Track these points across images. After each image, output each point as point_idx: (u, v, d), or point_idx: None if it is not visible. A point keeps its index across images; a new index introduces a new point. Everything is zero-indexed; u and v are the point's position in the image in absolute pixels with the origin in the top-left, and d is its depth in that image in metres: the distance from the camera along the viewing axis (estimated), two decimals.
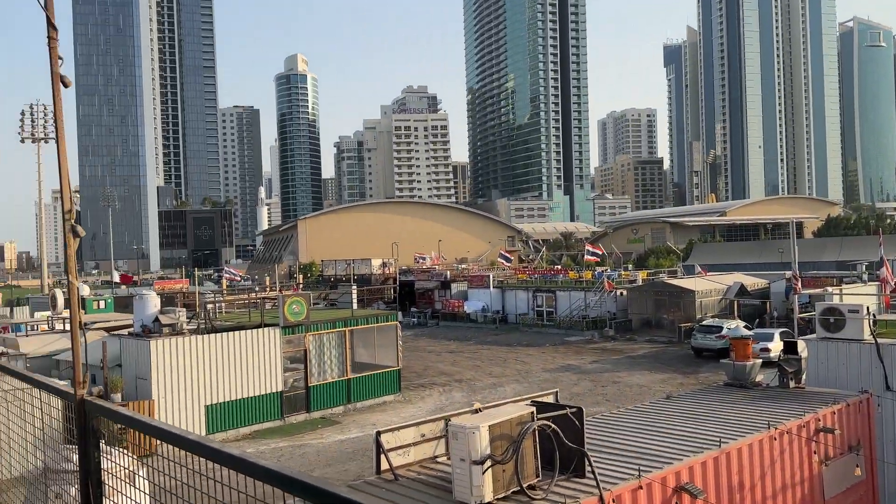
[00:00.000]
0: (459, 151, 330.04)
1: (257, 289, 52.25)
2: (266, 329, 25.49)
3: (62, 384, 3.98)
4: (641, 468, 9.24)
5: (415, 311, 60.77)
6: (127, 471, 4.11)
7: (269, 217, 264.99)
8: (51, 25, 3.03)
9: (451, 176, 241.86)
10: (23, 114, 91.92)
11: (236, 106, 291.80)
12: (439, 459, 9.99)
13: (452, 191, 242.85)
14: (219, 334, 24.28)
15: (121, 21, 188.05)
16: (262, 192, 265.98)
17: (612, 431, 11.32)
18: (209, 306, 27.62)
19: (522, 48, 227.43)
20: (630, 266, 70.47)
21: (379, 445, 9.32)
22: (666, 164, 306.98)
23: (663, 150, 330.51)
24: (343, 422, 25.64)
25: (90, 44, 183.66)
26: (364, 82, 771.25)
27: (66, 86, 3.10)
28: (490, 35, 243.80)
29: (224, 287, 61.55)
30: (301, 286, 64.49)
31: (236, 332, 24.76)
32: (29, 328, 35.61)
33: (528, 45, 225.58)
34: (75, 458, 5.07)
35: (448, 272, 66.69)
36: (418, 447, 9.90)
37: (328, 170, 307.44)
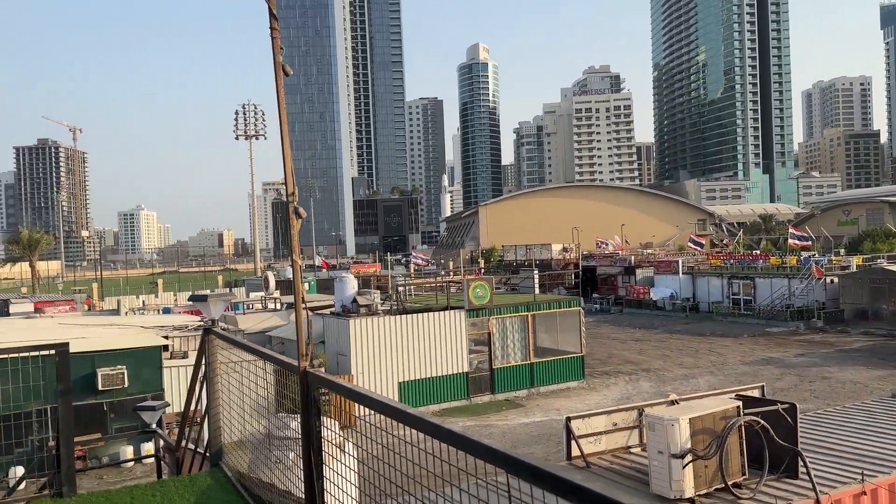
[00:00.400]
0: (644, 132, 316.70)
1: (442, 273, 54.00)
2: (452, 311, 26.24)
3: (284, 357, 4.27)
4: (865, 472, 8.28)
5: (597, 297, 59.50)
6: (339, 438, 4.33)
7: (451, 204, 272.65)
8: (273, 17, 3.20)
9: (634, 158, 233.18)
10: (236, 114, 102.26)
11: (422, 98, 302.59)
12: (633, 450, 9.65)
13: (636, 173, 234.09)
14: (409, 315, 25.41)
15: (318, 23, 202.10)
16: (445, 179, 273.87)
17: (828, 431, 10.26)
18: (400, 289, 28.99)
19: (715, 18, 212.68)
20: (842, 251, 63.61)
21: (569, 431, 9.18)
22: (883, 138, 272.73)
23: (880, 121, 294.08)
24: (527, 405, 25.75)
25: (292, 46, 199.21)
26: (544, 66, 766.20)
27: (287, 74, 3.28)
28: (679, 7, 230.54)
29: (412, 271, 64.30)
30: (482, 271, 65.70)
31: (425, 314, 25.76)
32: (245, 307, 39.66)
33: (721, 14, 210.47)
34: (293, 425, 5.47)
35: (632, 257, 64.46)
36: (610, 436, 9.62)
37: (508, 156, 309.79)
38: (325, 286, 46.93)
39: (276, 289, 42.05)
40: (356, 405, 3.41)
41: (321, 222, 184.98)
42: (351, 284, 26.66)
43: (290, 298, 41.99)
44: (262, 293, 41.40)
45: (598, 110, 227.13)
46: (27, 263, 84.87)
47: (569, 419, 9.43)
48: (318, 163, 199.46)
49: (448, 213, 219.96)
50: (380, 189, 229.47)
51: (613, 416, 9.81)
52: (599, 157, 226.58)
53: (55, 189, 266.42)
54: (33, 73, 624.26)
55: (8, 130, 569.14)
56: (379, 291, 30.66)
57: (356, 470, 3.72)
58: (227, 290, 58.25)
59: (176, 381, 22.46)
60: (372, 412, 2.94)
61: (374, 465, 3.07)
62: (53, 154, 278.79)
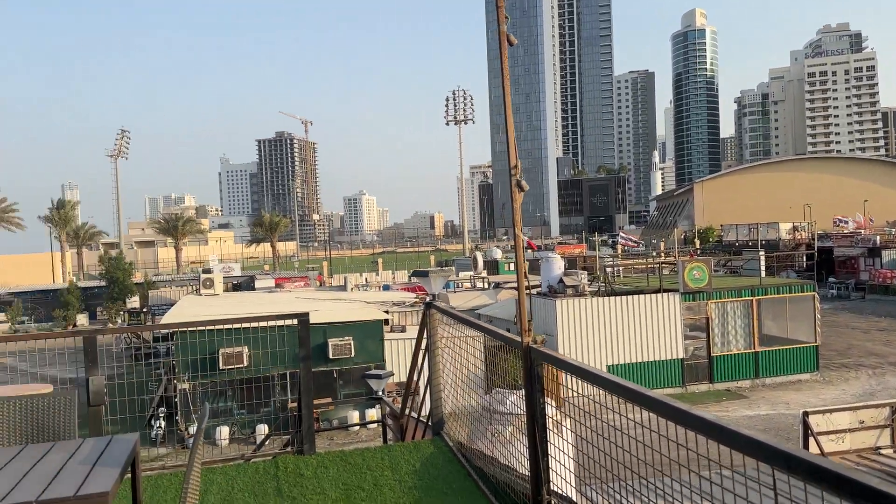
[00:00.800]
0: (891, 96, 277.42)
1: (654, 254, 51.81)
2: (665, 294, 25.08)
3: (507, 333, 4.27)
4: None
5: (833, 281, 53.52)
6: (560, 414, 4.25)
7: (662, 181, 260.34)
8: None
9: (879, 125, 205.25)
10: (447, 100, 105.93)
11: (631, 71, 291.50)
12: (883, 451, 8.50)
13: (882, 142, 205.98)
14: (618, 297, 24.70)
15: (525, 3, 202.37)
16: (656, 156, 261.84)
17: None
18: (608, 270, 28.27)
19: None
20: None
21: (807, 427, 8.30)
22: None
23: None
24: (750, 397, 23.92)
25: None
26: (770, 28, 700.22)
27: (511, 44, 3.21)
28: None
29: (619, 252, 62.55)
30: (698, 252, 62.01)
31: (635, 296, 24.89)
32: (455, 285, 41.17)
33: None
34: (510, 400, 5.50)
35: (878, 237, 57.02)
36: (855, 434, 8.56)
37: (727, 128, 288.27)
38: (531, 266, 47.13)
39: (484, 268, 43.06)
40: (563, 384, 3.30)
41: (525, 203, 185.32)
42: (557, 265, 26.47)
43: (498, 278, 42.88)
44: (471, 272, 42.64)
45: (834, 73, 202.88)
46: (268, 244, 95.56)
47: (806, 414, 8.53)
48: (522, 144, 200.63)
49: (659, 192, 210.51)
50: (585, 168, 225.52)
51: (860, 413, 8.70)
52: (837, 125, 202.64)
53: (290, 177, 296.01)
54: (273, 71, 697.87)
55: (252, 125, 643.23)
56: (586, 272, 30.15)
57: (579, 448, 3.62)
58: (440, 267, 60.74)
59: (395, 353, 23.93)
60: (592, 391, 2.82)
61: (602, 446, 2.95)
62: (288, 145, 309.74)
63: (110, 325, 48.54)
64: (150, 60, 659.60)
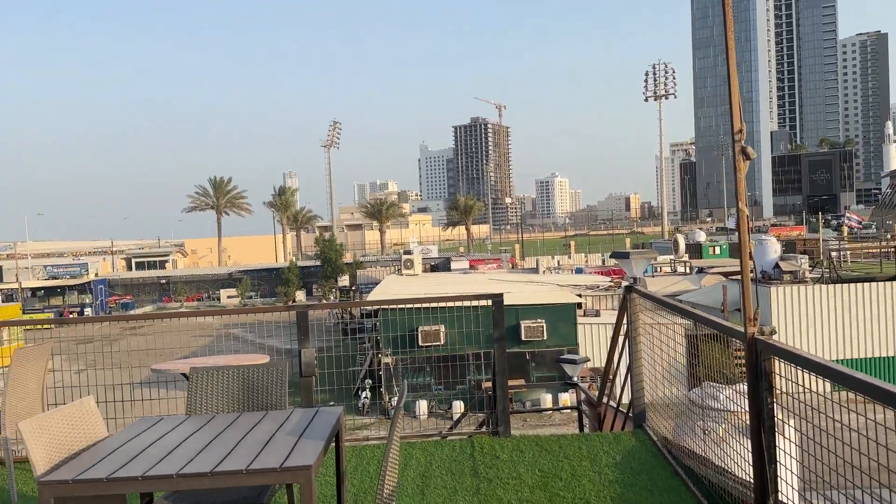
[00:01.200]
0: None
1: (888, 236, 45.77)
2: None
3: (726, 322, 3.84)
4: None
5: None
6: (781, 411, 3.74)
7: None
8: None
9: None
10: (646, 75, 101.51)
11: (859, 33, 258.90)
12: None
13: None
14: (846, 285, 22.16)
15: None
16: (889, 127, 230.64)
17: None
18: (833, 254, 25.40)
19: None
20: None
21: None
22: None
23: None
24: None
25: None
26: None
27: None
28: None
29: (845, 234, 56.21)
30: None
31: (866, 284, 22.20)
32: (654, 270, 39.46)
33: None
34: (722, 396, 4.99)
35: None
36: None
37: None
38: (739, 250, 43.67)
39: (686, 252, 40.79)
40: (783, 377, 2.87)
41: (734, 182, 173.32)
42: (773, 248, 24.27)
43: (701, 262, 40.36)
44: (671, 256, 40.61)
45: None
46: (463, 227, 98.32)
47: None
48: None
49: (893, 167, 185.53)
50: (804, 143, 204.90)
51: None
52: None
53: (484, 161, 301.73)
54: (469, 57, 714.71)
55: (449, 112, 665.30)
56: (806, 257, 27.36)
57: (806, 450, 3.14)
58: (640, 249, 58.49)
59: (588, 338, 23.44)
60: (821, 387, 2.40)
61: (841, 452, 2.52)
62: (483, 130, 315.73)
63: (323, 301, 52.81)
64: (360, 56, 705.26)
